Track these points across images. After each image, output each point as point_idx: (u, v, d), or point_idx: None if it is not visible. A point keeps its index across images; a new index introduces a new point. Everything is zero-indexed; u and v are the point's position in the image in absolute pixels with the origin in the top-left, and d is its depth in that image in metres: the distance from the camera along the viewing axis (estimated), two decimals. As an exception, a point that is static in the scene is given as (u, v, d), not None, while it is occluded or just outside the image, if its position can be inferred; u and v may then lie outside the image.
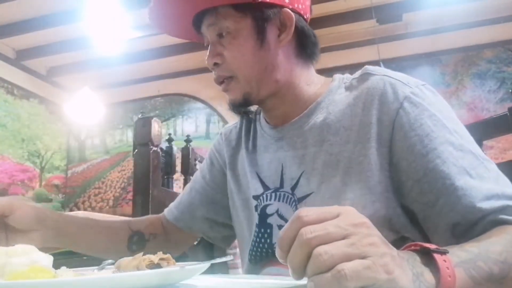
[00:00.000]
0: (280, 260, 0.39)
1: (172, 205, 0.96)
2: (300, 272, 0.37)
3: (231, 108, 0.77)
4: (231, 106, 0.76)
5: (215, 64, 0.73)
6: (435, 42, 4.00)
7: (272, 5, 0.71)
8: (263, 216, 0.75)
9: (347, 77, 0.75)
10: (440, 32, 3.91)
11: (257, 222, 0.76)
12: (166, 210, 0.96)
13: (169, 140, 1.70)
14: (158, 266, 0.52)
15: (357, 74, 0.73)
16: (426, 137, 0.61)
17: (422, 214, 0.62)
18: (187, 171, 1.68)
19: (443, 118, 0.63)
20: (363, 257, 0.36)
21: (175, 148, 1.61)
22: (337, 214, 0.39)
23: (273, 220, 0.74)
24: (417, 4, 3.63)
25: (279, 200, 0.73)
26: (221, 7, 0.70)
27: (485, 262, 0.47)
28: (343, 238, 0.36)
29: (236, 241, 1.17)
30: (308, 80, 0.77)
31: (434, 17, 3.74)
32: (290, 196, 0.72)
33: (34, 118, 4.76)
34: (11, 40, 4.09)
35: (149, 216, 1.00)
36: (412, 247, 0.45)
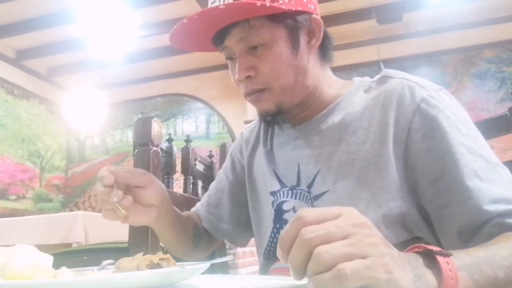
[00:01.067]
0: (281, 260, 0.39)
1: (200, 205, 0.95)
2: (301, 272, 0.37)
3: (262, 118, 0.78)
4: (262, 116, 0.76)
5: (248, 76, 0.71)
6: (435, 42, 4.00)
7: (302, 13, 0.71)
8: (279, 212, 0.76)
9: (366, 80, 0.76)
10: (440, 32, 3.91)
11: (273, 218, 0.77)
12: (198, 210, 0.95)
13: (169, 140, 1.70)
14: (158, 266, 0.52)
15: (376, 77, 0.75)
16: (442, 139, 0.62)
17: (435, 215, 0.62)
18: (187, 171, 1.67)
19: (457, 122, 0.63)
20: (364, 257, 0.36)
21: (175, 148, 1.61)
22: (338, 215, 0.39)
23: (289, 217, 0.75)
24: (417, 4, 3.64)
25: (295, 198, 0.74)
26: (253, 18, 0.68)
27: (490, 267, 0.46)
28: (344, 238, 0.37)
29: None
30: (329, 82, 0.78)
31: (434, 17, 3.74)
32: (306, 194, 0.73)
33: (34, 118, 4.77)
34: (11, 40, 4.10)
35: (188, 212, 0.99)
36: (415, 249, 0.45)
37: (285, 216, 0.75)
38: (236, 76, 0.72)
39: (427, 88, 0.67)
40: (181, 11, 3.54)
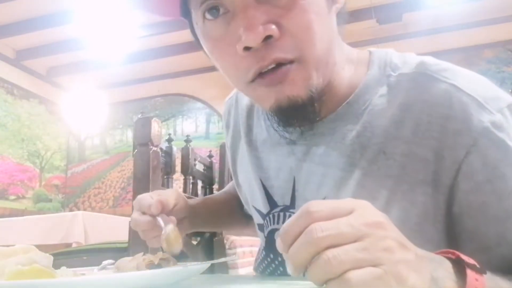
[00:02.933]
0: (280, 251, 0.35)
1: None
2: (301, 270, 0.33)
3: (286, 113, 0.50)
4: (288, 109, 0.49)
5: (266, 39, 0.45)
6: (435, 42, 4.00)
7: None
8: (271, 242, 0.64)
9: (393, 64, 0.54)
10: (440, 32, 3.91)
11: (264, 246, 0.67)
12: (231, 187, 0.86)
13: (169, 140, 1.70)
14: (158, 266, 0.52)
15: (410, 67, 0.52)
16: (507, 196, 0.45)
17: None
18: (187, 171, 1.67)
19: None
20: (375, 265, 0.32)
21: (175, 148, 1.61)
22: (350, 210, 0.34)
23: None
24: (417, 4, 3.63)
25: None
26: None
27: None
28: (356, 240, 0.32)
29: (236, 241, 1.15)
30: (344, 59, 0.54)
31: (434, 17, 3.74)
32: None
33: (34, 118, 4.76)
34: (11, 40, 4.09)
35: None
36: (449, 254, 0.39)
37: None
38: (243, 38, 0.44)
39: (489, 106, 0.46)
40: (181, 11, 3.53)
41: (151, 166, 1.25)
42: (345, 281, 0.31)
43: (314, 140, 0.56)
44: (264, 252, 0.68)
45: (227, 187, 0.89)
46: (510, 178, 0.45)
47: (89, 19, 3.65)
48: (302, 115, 0.51)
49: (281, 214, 0.62)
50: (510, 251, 0.45)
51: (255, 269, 0.73)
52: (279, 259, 0.65)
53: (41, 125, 4.87)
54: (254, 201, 0.67)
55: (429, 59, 0.53)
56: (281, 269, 0.66)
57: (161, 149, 1.37)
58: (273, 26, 0.45)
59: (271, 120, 0.58)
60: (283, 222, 0.58)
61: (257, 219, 0.68)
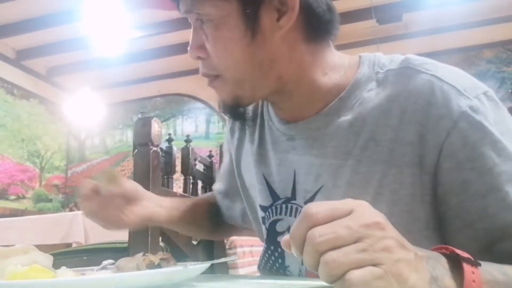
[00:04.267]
0: (298, 257, 0.36)
1: (218, 185, 0.87)
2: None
3: (222, 109, 0.63)
4: (221, 107, 0.63)
5: (198, 57, 0.59)
6: (435, 42, 4.00)
7: None
8: (273, 233, 0.66)
9: (380, 63, 0.59)
10: (440, 32, 3.91)
11: (266, 238, 0.68)
12: (215, 191, 0.88)
13: (169, 140, 1.70)
14: (158, 266, 0.52)
15: (395, 63, 0.58)
16: (486, 173, 0.48)
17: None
18: (187, 171, 1.68)
19: (509, 145, 0.49)
20: (375, 264, 0.32)
21: (175, 148, 1.61)
22: (349, 211, 0.35)
23: None
24: (417, 4, 3.63)
25: (290, 215, 0.64)
26: None
27: None
28: (354, 241, 0.33)
29: (236, 241, 1.15)
30: (325, 67, 0.60)
31: (434, 17, 3.74)
32: None
33: (34, 118, 4.76)
34: (11, 40, 4.09)
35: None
36: (443, 250, 0.40)
37: (280, 239, 0.64)
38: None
39: (467, 93, 0.51)
40: (181, 11, 3.53)
41: (151, 166, 1.25)
42: (346, 282, 0.31)
43: (311, 134, 0.61)
44: (265, 245, 0.69)
45: (205, 195, 0.92)
46: (488, 156, 0.48)
47: (89, 19, 3.65)
48: (236, 113, 0.64)
49: (283, 206, 0.64)
50: (492, 224, 0.48)
51: (259, 266, 0.73)
52: (279, 250, 0.67)
53: (41, 125, 4.87)
54: (256, 197, 0.70)
55: (412, 56, 0.58)
56: (280, 261, 0.67)
57: (161, 149, 1.37)
58: (201, 51, 0.57)
59: (273, 119, 0.66)
60: (285, 213, 0.64)
61: (258, 214, 0.71)
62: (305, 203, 0.61)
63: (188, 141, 1.79)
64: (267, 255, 0.69)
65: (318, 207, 0.35)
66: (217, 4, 0.54)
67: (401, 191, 0.52)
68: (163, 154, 1.49)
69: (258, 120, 0.70)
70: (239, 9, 0.54)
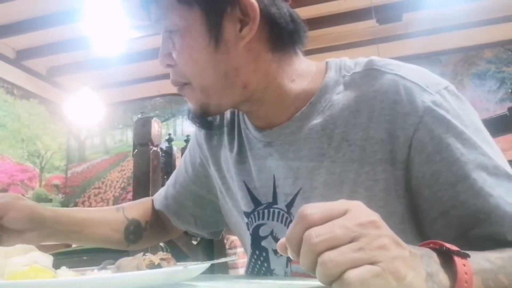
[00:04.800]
0: (295, 260, 0.36)
1: (157, 196, 0.88)
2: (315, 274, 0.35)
3: (189, 117, 0.64)
4: (189, 115, 0.64)
5: (168, 65, 0.62)
6: (435, 42, 4.00)
7: None
8: (256, 238, 0.67)
9: (346, 66, 0.62)
10: (440, 32, 3.91)
11: (251, 243, 0.69)
12: (154, 200, 0.88)
13: (169, 140, 1.70)
14: (158, 266, 0.52)
15: (360, 65, 0.60)
16: (454, 163, 0.51)
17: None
18: (187, 171, 1.67)
19: (472, 135, 0.52)
20: (372, 262, 0.33)
21: (175, 148, 1.61)
22: (344, 211, 0.35)
23: (268, 244, 0.66)
24: (417, 4, 3.63)
25: (272, 219, 0.64)
26: None
27: (507, 276, 0.43)
28: (351, 240, 0.33)
29: (236, 241, 1.15)
30: (292, 74, 0.62)
31: (434, 17, 3.74)
32: (285, 215, 0.63)
33: (34, 118, 4.76)
34: (11, 40, 4.09)
35: (143, 200, 0.91)
36: (431, 245, 0.41)
37: (264, 243, 0.66)
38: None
39: (429, 89, 0.54)
40: (181, 11, 3.53)
41: (151, 166, 1.25)
42: (345, 281, 0.32)
43: (286, 139, 0.63)
44: (251, 250, 0.69)
45: (132, 206, 0.89)
46: (454, 147, 0.51)
47: (89, 19, 3.65)
48: (204, 122, 0.64)
49: (266, 210, 0.65)
50: (464, 211, 0.50)
51: (246, 271, 0.73)
52: (264, 254, 0.67)
53: (41, 125, 4.87)
54: (239, 204, 0.70)
55: (376, 58, 0.60)
56: (265, 265, 0.67)
57: (161, 149, 1.37)
58: (170, 58, 0.60)
59: (249, 127, 0.68)
60: (267, 218, 0.65)
61: (241, 220, 0.71)
62: (286, 206, 0.63)
63: (188, 141, 1.79)
64: (253, 260, 0.69)
65: (313, 209, 0.35)
66: (181, 14, 0.57)
67: (376, 187, 0.54)
68: (163, 154, 1.49)
69: (236, 129, 0.71)
70: (202, 18, 0.57)
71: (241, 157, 0.69)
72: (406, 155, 0.53)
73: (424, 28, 3.88)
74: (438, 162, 0.52)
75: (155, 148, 1.28)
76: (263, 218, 0.66)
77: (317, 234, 0.33)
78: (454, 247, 0.40)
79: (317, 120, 0.60)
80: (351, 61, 0.63)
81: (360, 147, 0.56)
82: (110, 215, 0.82)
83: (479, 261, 0.43)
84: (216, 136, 0.76)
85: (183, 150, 1.70)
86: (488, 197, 0.49)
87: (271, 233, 0.65)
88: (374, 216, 0.36)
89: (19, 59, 4.45)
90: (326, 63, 0.64)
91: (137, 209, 0.86)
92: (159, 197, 0.88)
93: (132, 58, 4.50)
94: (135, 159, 1.28)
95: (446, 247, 0.40)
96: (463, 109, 0.55)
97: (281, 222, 0.64)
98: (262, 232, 0.66)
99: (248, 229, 0.69)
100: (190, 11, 0.57)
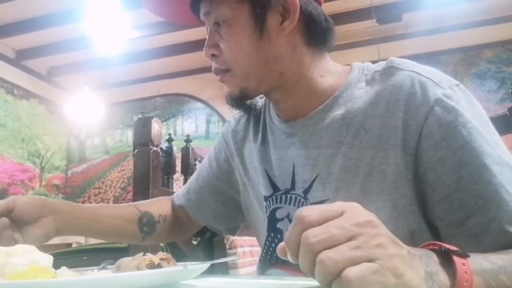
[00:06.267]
0: (293, 262, 0.37)
1: (179, 192, 0.92)
2: (313, 275, 0.35)
3: (228, 101, 0.70)
4: (228, 99, 0.70)
5: (213, 55, 0.68)
6: (435, 42, 4.00)
7: None
8: (272, 220, 0.71)
9: (368, 67, 0.68)
10: (440, 32, 3.91)
11: (267, 226, 0.72)
12: (174, 196, 0.92)
13: (169, 140, 1.70)
14: (158, 266, 0.52)
15: (381, 65, 0.66)
16: (459, 149, 0.54)
17: (446, 233, 0.56)
18: (187, 171, 1.68)
19: (479, 126, 0.55)
20: (370, 260, 0.33)
21: (175, 148, 1.61)
22: (341, 212, 0.36)
23: (283, 226, 0.69)
24: (417, 4, 3.63)
25: (289, 204, 0.68)
26: None
27: (508, 277, 0.44)
28: (348, 240, 0.34)
29: (236, 241, 1.15)
30: (322, 70, 0.68)
31: (434, 17, 3.74)
32: (302, 200, 0.67)
33: (34, 118, 4.76)
34: (11, 40, 4.09)
35: (156, 198, 0.96)
36: (431, 246, 0.42)
37: (279, 225, 0.69)
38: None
39: (441, 84, 0.58)
40: (181, 11, 3.53)
41: (151, 166, 1.25)
42: (344, 279, 0.32)
43: (309, 130, 0.67)
44: (266, 233, 0.72)
45: (151, 202, 0.92)
46: (460, 134, 0.54)
47: (90, 19, 3.65)
48: (242, 104, 0.71)
49: (283, 196, 0.70)
50: (465, 195, 0.53)
51: (260, 259, 0.76)
52: (278, 236, 0.70)
53: (41, 125, 4.87)
54: (259, 189, 0.75)
55: (394, 58, 0.66)
56: None
57: (161, 149, 1.37)
58: (215, 48, 0.66)
59: (274, 121, 0.74)
60: (285, 202, 0.69)
61: (260, 210, 0.75)
62: (304, 192, 0.67)
63: (188, 141, 1.79)
64: (267, 244, 0.72)
65: (310, 211, 0.36)
66: (231, 7, 0.63)
67: (388, 170, 0.58)
68: (163, 154, 1.49)
69: (261, 123, 0.78)
70: (250, 11, 0.63)
71: (264, 148, 0.75)
72: (416, 142, 0.57)
73: (424, 28, 3.88)
74: (444, 148, 0.55)
75: (155, 148, 1.28)
76: (280, 202, 0.70)
77: (314, 235, 0.34)
78: (453, 247, 0.41)
79: (338, 112, 0.65)
80: (373, 64, 0.69)
81: (377, 134, 0.60)
82: (121, 208, 0.85)
83: (480, 261, 0.43)
84: (241, 132, 0.82)
85: (183, 150, 1.71)
86: (488, 184, 0.52)
87: (287, 216, 0.68)
88: (371, 216, 0.37)
89: (19, 59, 4.45)
90: (351, 65, 0.71)
91: (149, 203, 0.89)
92: (181, 192, 0.91)
93: (132, 58, 4.50)
94: (135, 159, 1.28)
95: (445, 247, 0.41)
96: (472, 104, 0.58)
97: (298, 207, 0.67)
98: (279, 214, 0.70)
99: (266, 213, 0.72)
100: (240, 4, 0.63)
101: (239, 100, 0.69)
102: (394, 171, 0.58)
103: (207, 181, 0.87)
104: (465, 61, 4.08)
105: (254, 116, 0.80)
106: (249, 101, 0.72)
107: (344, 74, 0.69)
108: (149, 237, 0.84)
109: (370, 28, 3.83)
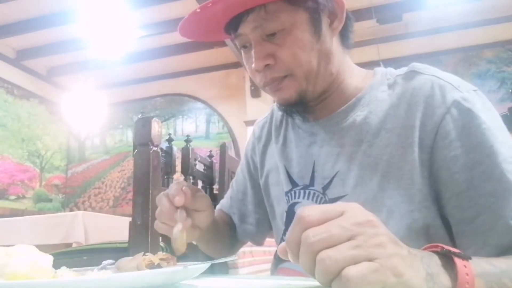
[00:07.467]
0: (295, 263, 0.37)
1: (224, 202, 0.94)
2: (314, 275, 0.35)
3: (283, 108, 0.71)
4: (283, 105, 0.70)
5: (266, 65, 0.66)
6: (435, 42, 4.00)
7: None
8: (291, 214, 0.73)
9: (391, 72, 0.71)
10: (440, 32, 3.91)
11: (284, 220, 0.74)
12: (223, 206, 0.94)
13: (169, 140, 1.70)
14: (158, 266, 0.52)
15: (403, 70, 0.69)
16: (473, 149, 0.56)
17: (456, 229, 0.58)
18: (187, 171, 1.67)
19: (493, 128, 0.57)
20: (370, 259, 0.33)
21: (175, 148, 1.61)
22: (341, 212, 0.36)
23: None
24: (417, 4, 3.64)
25: (308, 199, 0.71)
26: (270, 3, 0.63)
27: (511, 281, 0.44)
28: (348, 239, 0.34)
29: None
30: (350, 71, 0.72)
31: (434, 17, 3.74)
32: (321, 196, 0.69)
33: (34, 118, 4.77)
34: (11, 40, 4.10)
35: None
36: (433, 248, 0.42)
37: None
38: (253, 65, 0.66)
39: (460, 88, 0.61)
40: (181, 11, 3.54)
41: (151, 166, 1.25)
42: (344, 278, 0.32)
43: (331, 129, 0.70)
44: (283, 227, 0.75)
45: (217, 210, 0.94)
46: (475, 135, 0.56)
47: (89, 19, 3.65)
48: (298, 108, 0.70)
49: (302, 191, 0.72)
50: (476, 193, 0.55)
51: (275, 256, 0.79)
52: None
53: (41, 125, 4.87)
54: (280, 186, 0.78)
55: (416, 63, 0.69)
56: None
57: (161, 149, 1.37)
58: (270, 58, 0.65)
59: (297, 121, 0.77)
60: (303, 197, 0.71)
61: (278, 207, 0.78)
62: (323, 188, 0.69)
63: (188, 141, 1.79)
64: (283, 238, 0.74)
65: (310, 211, 0.36)
66: (290, 14, 0.64)
67: (405, 167, 0.60)
68: (163, 154, 1.49)
69: (283, 124, 0.82)
70: (307, 16, 0.64)
71: (285, 147, 0.79)
72: (432, 141, 0.59)
73: (424, 28, 3.88)
74: (458, 148, 0.57)
75: (155, 148, 1.28)
76: (298, 197, 0.73)
77: (314, 234, 0.34)
78: (455, 249, 0.41)
79: (361, 112, 0.68)
80: (395, 70, 0.71)
81: (396, 133, 0.62)
82: (223, 216, 0.91)
83: (483, 265, 0.43)
84: (264, 137, 0.86)
85: (183, 150, 1.71)
86: (498, 182, 0.53)
87: None
88: (371, 216, 0.37)
89: (19, 59, 4.45)
90: (374, 70, 0.73)
91: (226, 218, 0.93)
92: (224, 200, 0.95)
93: (132, 58, 4.51)
94: (135, 159, 1.28)
95: (446, 249, 0.41)
96: (488, 108, 0.61)
97: (316, 202, 0.69)
98: (297, 209, 0.70)
99: (285, 208, 0.75)
100: (296, 10, 0.64)
101: (295, 105, 0.69)
102: (411, 168, 0.60)
103: (247, 192, 0.90)
104: (465, 61, 4.08)
105: (277, 118, 0.83)
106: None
107: (368, 77, 0.72)
108: (233, 249, 0.93)
109: (370, 28, 3.83)
